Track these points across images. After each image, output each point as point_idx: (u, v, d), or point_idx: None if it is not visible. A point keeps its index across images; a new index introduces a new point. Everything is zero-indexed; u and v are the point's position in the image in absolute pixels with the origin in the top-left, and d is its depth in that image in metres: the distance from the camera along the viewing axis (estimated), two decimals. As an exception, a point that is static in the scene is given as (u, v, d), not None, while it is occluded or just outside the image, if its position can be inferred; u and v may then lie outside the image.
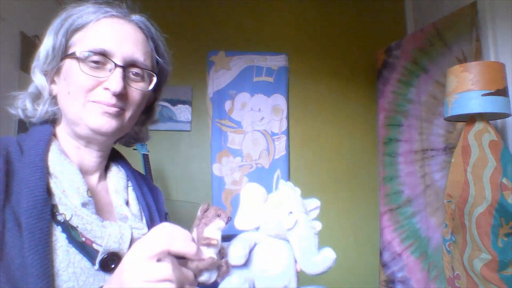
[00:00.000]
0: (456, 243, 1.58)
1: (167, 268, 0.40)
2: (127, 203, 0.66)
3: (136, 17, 0.65)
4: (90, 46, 0.58)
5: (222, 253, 0.48)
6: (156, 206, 0.73)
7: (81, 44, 0.59)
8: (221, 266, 0.46)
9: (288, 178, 2.44)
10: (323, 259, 0.52)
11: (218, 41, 2.53)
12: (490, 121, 1.52)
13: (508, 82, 1.52)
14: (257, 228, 0.57)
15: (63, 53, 0.61)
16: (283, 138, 2.47)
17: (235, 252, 0.51)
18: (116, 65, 0.59)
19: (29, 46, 1.66)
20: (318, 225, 0.57)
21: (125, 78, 0.60)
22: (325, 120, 2.57)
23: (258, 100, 2.50)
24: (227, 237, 0.54)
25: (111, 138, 0.65)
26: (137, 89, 0.62)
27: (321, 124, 2.56)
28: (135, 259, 0.42)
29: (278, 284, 0.53)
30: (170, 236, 0.43)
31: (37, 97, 0.63)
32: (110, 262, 0.56)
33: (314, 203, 0.61)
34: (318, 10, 2.65)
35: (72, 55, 0.59)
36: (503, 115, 1.55)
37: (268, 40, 2.58)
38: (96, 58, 0.58)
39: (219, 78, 2.49)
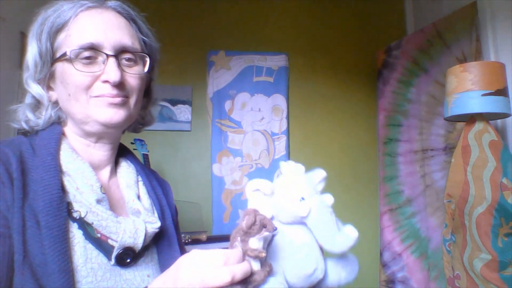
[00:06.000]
0: (456, 243, 1.58)
1: None
2: (138, 197, 0.67)
3: (112, 2, 0.63)
4: (77, 43, 0.58)
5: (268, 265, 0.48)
6: (166, 200, 0.73)
7: (67, 44, 0.59)
8: (267, 271, 0.46)
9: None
10: (345, 239, 0.51)
11: (218, 41, 2.53)
12: (490, 121, 1.52)
13: (508, 82, 1.52)
14: (272, 218, 0.55)
15: (52, 57, 0.60)
16: (283, 138, 2.47)
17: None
18: (108, 56, 0.58)
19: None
20: (330, 199, 0.54)
21: (119, 66, 0.59)
22: (325, 120, 2.57)
23: (258, 100, 2.49)
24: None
25: (121, 128, 0.65)
26: (134, 74, 0.62)
27: (321, 124, 2.56)
28: None
29: (308, 270, 0.51)
30: (201, 273, 0.42)
31: (36, 106, 0.63)
32: (125, 257, 0.58)
33: (319, 174, 0.58)
34: (318, 10, 2.65)
35: (62, 57, 0.58)
36: (503, 115, 1.55)
37: (268, 40, 2.58)
38: (86, 53, 0.58)
39: (219, 78, 2.49)
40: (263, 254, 0.44)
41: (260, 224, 0.45)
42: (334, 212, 0.53)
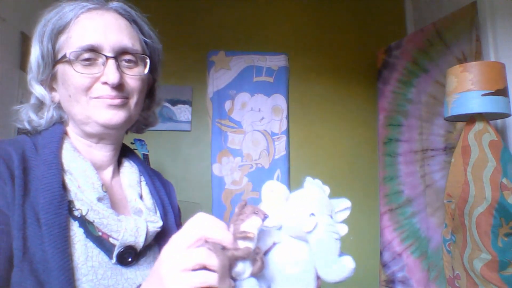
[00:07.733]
0: (456, 243, 1.58)
1: (203, 253, 0.39)
2: (141, 197, 0.67)
3: (113, 4, 0.64)
4: (77, 45, 0.58)
5: (257, 252, 0.46)
6: (169, 200, 0.73)
7: (68, 46, 0.60)
8: (256, 261, 0.44)
9: (288, 178, 2.44)
10: (340, 268, 0.48)
11: (218, 41, 2.53)
12: (490, 121, 1.52)
13: (508, 82, 1.52)
14: (280, 228, 0.53)
15: (53, 59, 0.61)
16: (283, 138, 2.47)
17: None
18: (107, 57, 0.59)
19: (29, 46, 1.66)
20: (344, 229, 0.53)
21: (119, 67, 0.60)
22: (325, 120, 2.57)
23: (258, 100, 2.50)
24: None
25: (122, 129, 0.66)
26: (134, 75, 0.62)
27: (321, 124, 2.56)
28: (173, 250, 0.41)
29: (295, 286, 0.49)
30: (206, 224, 0.42)
31: (40, 107, 0.64)
32: (126, 255, 0.58)
33: (344, 204, 0.57)
34: (318, 10, 2.65)
35: (63, 59, 0.59)
36: (503, 115, 1.55)
37: (268, 40, 2.58)
38: (86, 55, 0.58)
39: (219, 78, 2.49)
40: (250, 235, 0.44)
41: (252, 210, 0.46)
42: (340, 242, 0.51)
